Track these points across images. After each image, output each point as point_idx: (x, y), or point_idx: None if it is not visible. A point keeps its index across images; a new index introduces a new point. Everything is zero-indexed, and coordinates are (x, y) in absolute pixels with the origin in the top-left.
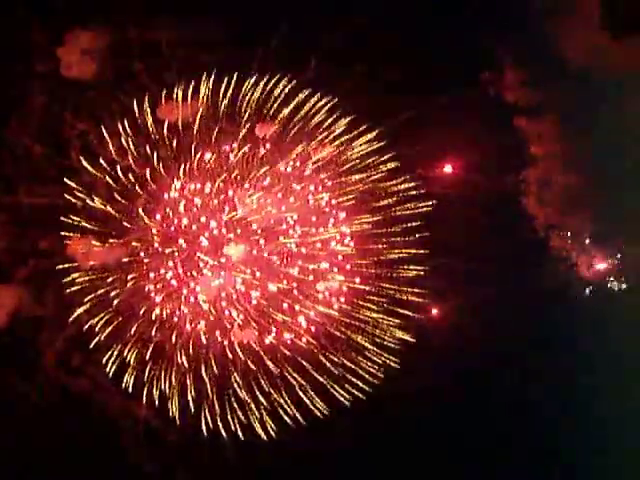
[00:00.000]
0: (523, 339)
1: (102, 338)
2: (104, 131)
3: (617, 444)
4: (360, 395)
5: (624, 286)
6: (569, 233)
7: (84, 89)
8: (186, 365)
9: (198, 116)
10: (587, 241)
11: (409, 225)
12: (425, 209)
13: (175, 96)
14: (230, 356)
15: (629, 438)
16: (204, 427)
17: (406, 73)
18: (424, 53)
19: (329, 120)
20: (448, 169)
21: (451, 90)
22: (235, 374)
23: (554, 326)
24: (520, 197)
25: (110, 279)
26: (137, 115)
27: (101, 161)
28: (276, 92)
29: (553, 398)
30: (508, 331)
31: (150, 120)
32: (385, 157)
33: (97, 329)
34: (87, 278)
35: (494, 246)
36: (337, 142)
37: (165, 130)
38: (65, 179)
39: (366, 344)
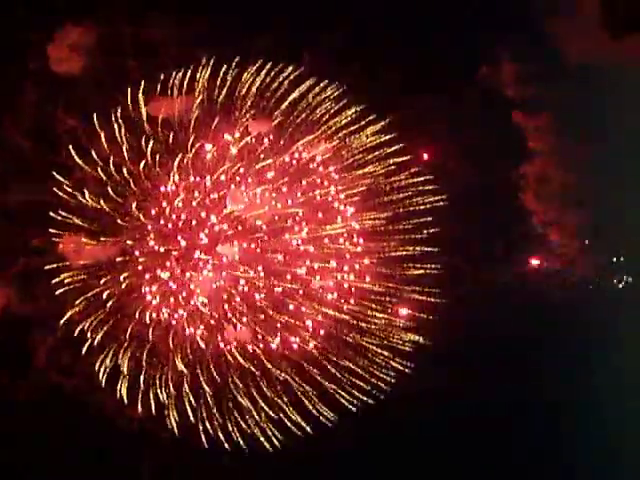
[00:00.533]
0: (522, 337)
1: (95, 340)
2: (97, 127)
3: (617, 444)
4: (368, 400)
5: (624, 283)
6: (567, 229)
7: (75, 85)
8: (184, 370)
9: (194, 107)
10: (586, 237)
11: (417, 221)
12: (431, 205)
13: (170, 89)
14: (231, 360)
15: (629, 438)
16: (203, 435)
17: (405, 71)
18: (423, 50)
19: (330, 112)
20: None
21: (450, 86)
22: (236, 379)
23: (553, 324)
24: (518, 193)
25: (103, 279)
26: (131, 110)
27: (94, 157)
28: (277, 82)
29: (553, 397)
30: (507, 329)
31: (144, 114)
32: (383, 153)
33: (90, 331)
34: (79, 277)
35: (492, 243)
36: (340, 134)
37: (160, 124)
38: (57, 176)
39: (374, 347)
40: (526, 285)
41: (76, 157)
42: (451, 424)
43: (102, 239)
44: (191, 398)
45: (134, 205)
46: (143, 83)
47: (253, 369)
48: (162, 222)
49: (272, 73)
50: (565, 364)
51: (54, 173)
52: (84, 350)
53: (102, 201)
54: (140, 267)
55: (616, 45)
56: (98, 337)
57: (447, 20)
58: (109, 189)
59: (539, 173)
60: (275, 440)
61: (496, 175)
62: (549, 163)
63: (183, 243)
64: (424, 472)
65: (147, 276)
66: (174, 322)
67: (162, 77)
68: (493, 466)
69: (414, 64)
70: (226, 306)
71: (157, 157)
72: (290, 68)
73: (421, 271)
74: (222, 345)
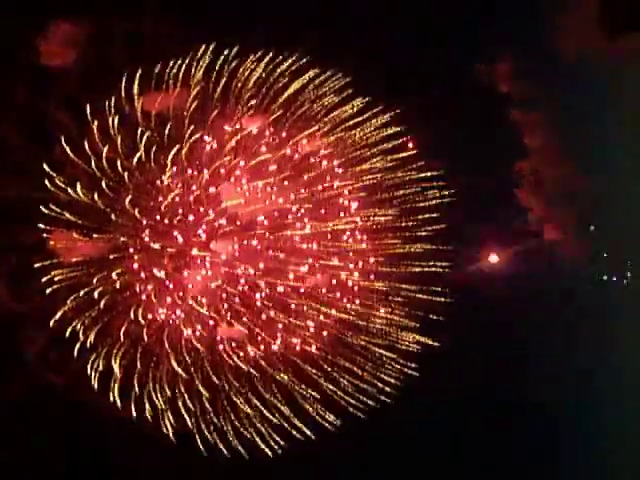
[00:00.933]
0: (523, 337)
1: (87, 340)
2: (90, 121)
3: (617, 444)
4: (374, 405)
5: (625, 281)
6: (565, 227)
7: (67, 78)
8: (180, 372)
9: (191, 99)
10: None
11: (424, 217)
12: (433, 202)
13: (165, 82)
14: (230, 362)
15: (629, 438)
16: (200, 441)
17: (404, 67)
18: (421, 48)
19: (329, 105)
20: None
21: (448, 83)
22: (233, 381)
23: (554, 323)
24: (514, 189)
25: (96, 277)
26: (124, 103)
27: (87, 151)
28: (277, 73)
29: (553, 396)
30: (506, 329)
31: (138, 108)
32: (379, 150)
33: (82, 330)
34: (70, 275)
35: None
36: (341, 127)
37: (155, 117)
38: (47, 170)
39: (376, 348)
40: (525, 283)
41: (68, 151)
42: (450, 424)
43: (95, 236)
44: (187, 401)
45: (127, 200)
46: (138, 77)
47: (253, 372)
48: (158, 217)
49: (272, 64)
50: (565, 364)
51: (45, 167)
52: (75, 350)
53: (96, 196)
54: (135, 265)
55: (615, 44)
56: (91, 337)
57: (446, 19)
58: (102, 184)
59: (535, 169)
60: (274, 445)
61: (493, 172)
62: (547, 160)
63: (180, 239)
64: (424, 472)
65: (141, 274)
66: (169, 322)
67: (156, 70)
68: (493, 466)
69: (413, 61)
70: (225, 305)
71: (152, 151)
72: (290, 59)
73: (426, 269)
74: (220, 347)
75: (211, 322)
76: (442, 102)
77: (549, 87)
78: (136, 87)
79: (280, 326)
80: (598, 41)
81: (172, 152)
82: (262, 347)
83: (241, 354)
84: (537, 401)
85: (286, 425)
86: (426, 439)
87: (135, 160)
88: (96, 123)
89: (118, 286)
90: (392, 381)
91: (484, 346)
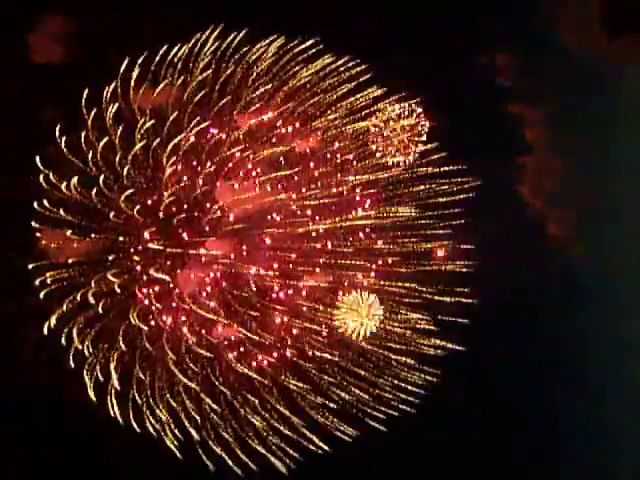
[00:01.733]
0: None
1: (84, 345)
2: (87, 118)
3: (617, 444)
4: (395, 414)
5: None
6: (565, 223)
7: (63, 72)
8: (183, 379)
9: (195, 88)
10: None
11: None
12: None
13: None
14: (240, 370)
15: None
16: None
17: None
18: (423, 41)
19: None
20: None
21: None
22: (241, 390)
23: (554, 323)
24: (517, 185)
25: (93, 279)
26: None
27: (82, 146)
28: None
29: (553, 396)
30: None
31: (138, 99)
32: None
33: (77, 335)
34: (65, 275)
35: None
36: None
37: (156, 108)
38: (41, 167)
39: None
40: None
41: (63, 147)
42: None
43: (92, 235)
44: (189, 410)
45: (122, 198)
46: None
47: (265, 381)
48: (157, 216)
49: (282, 51)
50: (565, 364)
51: (38, 164)
52: (71, 355)
53: (93, 193)
54: (138, 267)
55: (616, 43)
56: (87, 341)
57: (447, 18)
58: (100, 181)
59: (537, 164)
60: (287, 459)
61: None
62: (546, 155)
63: (181, 238)
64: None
65: (140, 275)
66: (172, 325)
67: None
68: (493, 466)
69: (415, 60)
70: (227, 307)
71: (152, 145)
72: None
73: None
74: (230, 356)
75: (220, 328)
76: (444, 98)
77: (549, 86)
78: (134, 78)
79: (295, 332)
80: (598, 41)
81: (173, 143)
82: (275, 354)
83: (254, 364)
84: (537, 401)
85: (296, 436)
86: (425, 439)
87: (131, 155)
88: (92, 117)
89: (116, 287)
90: (413, 389)
91: (483, 346)
